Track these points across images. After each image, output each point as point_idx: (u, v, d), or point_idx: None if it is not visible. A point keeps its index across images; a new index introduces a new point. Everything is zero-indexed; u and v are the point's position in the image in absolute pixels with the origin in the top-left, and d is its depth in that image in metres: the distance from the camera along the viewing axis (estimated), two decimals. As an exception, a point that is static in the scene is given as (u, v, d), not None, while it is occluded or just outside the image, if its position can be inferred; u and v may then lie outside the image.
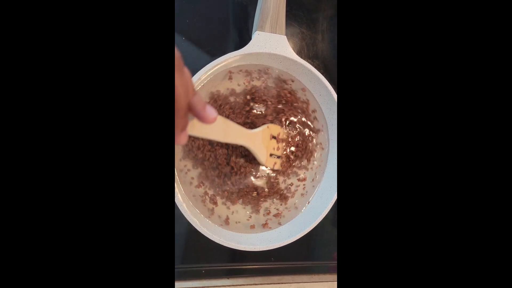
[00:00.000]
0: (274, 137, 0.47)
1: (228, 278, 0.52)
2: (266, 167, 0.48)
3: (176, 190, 0.43)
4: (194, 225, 0.42)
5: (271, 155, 0.47)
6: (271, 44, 0.44)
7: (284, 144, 0.49)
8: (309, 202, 0.50)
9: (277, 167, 0.48)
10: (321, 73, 0.46)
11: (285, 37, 0.45)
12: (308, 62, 0.46)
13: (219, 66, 0.41)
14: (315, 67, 0.46)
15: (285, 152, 0.49)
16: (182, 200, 0.42)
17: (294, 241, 0.46)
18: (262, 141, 0.45)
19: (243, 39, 0.51)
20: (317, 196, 0.50)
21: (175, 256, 0.49)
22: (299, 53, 0.54)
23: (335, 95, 0.47)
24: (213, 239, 0.42)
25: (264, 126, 0.45)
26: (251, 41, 0.43)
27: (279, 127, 0.48)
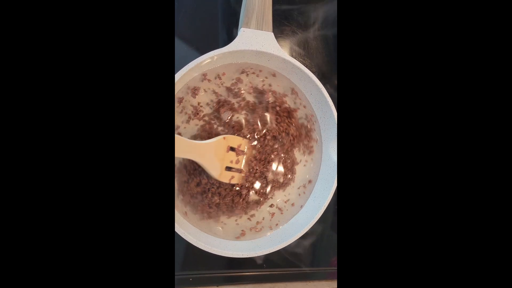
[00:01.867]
0: (233, 149, 0.44)
1: (217, 286, 0.50)
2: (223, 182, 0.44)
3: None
4: (176, 229, 0.40)
5: (228, 168, 0.44)
6: (258, 41, 0.42)
7: (245, 156, 0.45)
8: (302, 207, 0.48)
9: (234, 181, 0.45)
10: (313, 72, 0.44)
11: (272, 33, 0.43)
12: (299, 61, 0.44)
13: (199, 64, 0.39)
14: (306, 66, 0.44)
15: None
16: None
17: (292, 246, 0.44)
18: (215, 154, 0.42)
19: (232, 36, 0.49)
20: (310, 200, 0.48)
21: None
22: (289, 52, 0.52)
23: (327, 95, 0.45)
24: (197, 245, 0.40)
25: (220, 137, 0.42)
26: (236, 38, 0.42)
27: (239, 138, 0.45)
